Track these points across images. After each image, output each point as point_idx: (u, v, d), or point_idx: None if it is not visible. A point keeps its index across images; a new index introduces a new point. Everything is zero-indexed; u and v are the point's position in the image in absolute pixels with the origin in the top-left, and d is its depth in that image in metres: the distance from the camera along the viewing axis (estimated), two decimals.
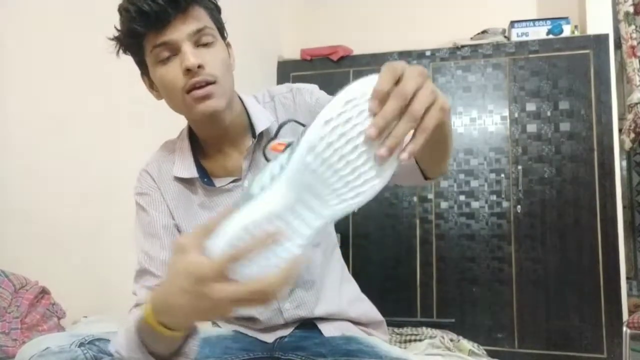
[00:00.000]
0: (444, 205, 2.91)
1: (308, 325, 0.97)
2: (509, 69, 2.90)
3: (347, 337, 0.95)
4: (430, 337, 1.59)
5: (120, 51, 0.88)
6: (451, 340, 1.58)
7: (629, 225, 3.56)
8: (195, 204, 0.91)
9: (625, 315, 2.58)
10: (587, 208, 2.70)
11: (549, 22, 2.92)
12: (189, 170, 0.90)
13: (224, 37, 0.88)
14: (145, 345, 0.66)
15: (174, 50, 0.80)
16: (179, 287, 0.54)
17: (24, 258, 1.55)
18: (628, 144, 2.87)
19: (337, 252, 1.04)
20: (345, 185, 0.53)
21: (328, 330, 0.96)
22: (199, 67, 0.78)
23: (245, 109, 0.92)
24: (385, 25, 3.40)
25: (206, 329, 1.00)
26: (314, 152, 0.51)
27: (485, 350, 1.65)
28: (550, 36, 2.88)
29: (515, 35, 2.95)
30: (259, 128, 0.89)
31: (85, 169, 1.79)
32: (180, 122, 0.97)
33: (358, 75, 0.53)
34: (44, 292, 1.49)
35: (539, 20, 2.95)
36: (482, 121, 2.92)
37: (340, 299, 0.98)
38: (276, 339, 0.94)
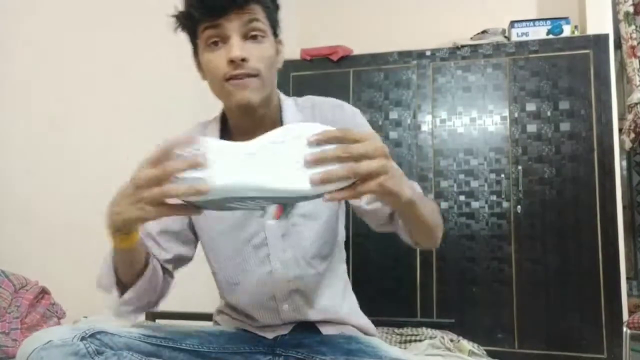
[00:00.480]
0: (444, 205, 2.91)
1: (307, 325, 0.97)
2: (509, 69, 2.90)
3: (347, 336, 0.95)
4: (430, 338, 1.59)
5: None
6: (451, 340, 1.57)
7: (629, 225, 3.56)
8: None
9: (625, 315, 2.58)
10: (587, 208, 2.70)
11: (549, 22, 2.92)
12: None
13: (275, 35, 0.91)
14: (115, 271, 0.83)
15: (224, 39, 0.84)
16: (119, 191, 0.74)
17: (24, 258, 1.55)
18: (628, 144, 2.87)
19: (343, 268, 1.06)
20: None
21: (327, 330, 0.97)
22: (243, 60, 0.83)
23: (281, 108, 0.96)
24: (385, 25, 3.40)
25: (209, 327, 1.02)
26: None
27: (485, 350, 1.64)
28: (550, 36, 2.88)
29: (515, 35, 2.95)
30: None
31: (85, 169, 1.79)
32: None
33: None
34: (44, 292, 1.49)
35: (539, 20, 2.95)
36: (482, 121, 2.92)
37: (338, 309, 1.00)
38: (277, 336, 0.95)
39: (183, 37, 0.94)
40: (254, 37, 0.85)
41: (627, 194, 3.62)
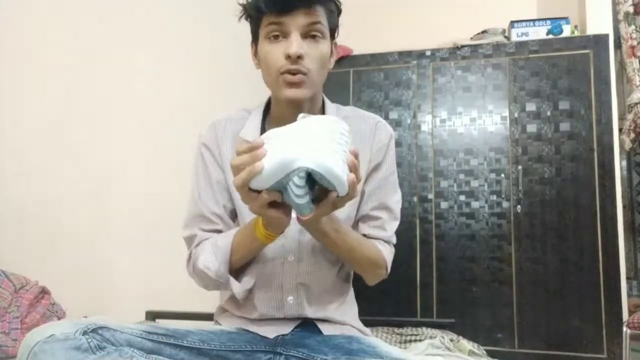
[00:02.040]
0: (444, 205, 2.91)
1: (308, 324, 0.98)
2: (509, 69, 2.90)
3: (347, 336, 0.96)
4: (431, 337, 1.59)
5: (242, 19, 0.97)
6: (451, 340, 1.57)
7: (629, 225, 3.56)
8: None
9: (625, 315, 2.58)
10: (587, 208, 2.70)
11: (549, 22, 2.92)
12: (254, 135, 0.98)
13: (332, 37, 0.97)
14: (231, 256, 0.93)
15: (285, 34, 0.90)
16: None
17: (24, 258, 1.55)
18: (628, 144, 2.87)
19: (350, 273, 1.11)
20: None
21: (327, 330, 0.97)
22: (299, 57, 0.88)
23: (324, 108, 1.02)
24: (385, 25, 3.40)
25: (211, 326, 1.02)
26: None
27: (485, 350, 1.64)
28: (550, 36, 2.88)
29: (515, 35, 2.95)
30: None
31: (84, 169, 1.79)
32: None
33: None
34: (44, 292, 1.49)
35: (539, 20, 2.95)
36: (482, 121, 2.92)
37: (340, 311, 1.03)
38: (278, 336, 0.95)
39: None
40: (313, 37, 0.91)
41: (627, 194, 3.62)
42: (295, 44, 0.88)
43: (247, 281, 0.96)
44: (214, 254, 0.93)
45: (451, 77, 2.99)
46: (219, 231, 1.01)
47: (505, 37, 3.01)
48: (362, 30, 3.37)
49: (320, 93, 1.02)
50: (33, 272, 1.51)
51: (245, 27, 1.00)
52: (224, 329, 0.98)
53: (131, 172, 1.96)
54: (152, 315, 1.72)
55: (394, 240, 1.11)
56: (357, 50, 3.16)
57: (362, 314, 1.14)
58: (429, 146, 2.97)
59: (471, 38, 3.05)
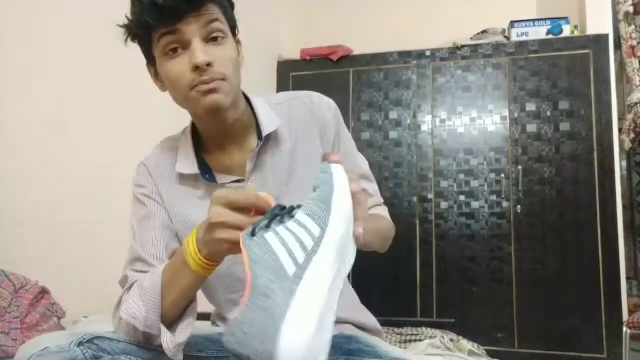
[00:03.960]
0: (444, 205, 2.91)
1: None
2: (509, 69, 2.90)
3: (347, 336, 0.95)
4: (431, 337, 1.59)
5: (129, 40, 0.86)
6: (451, 340, 1.57)
7: (629, 225, 3.56)
8: (196, 197, 0.91)
9: (625, 315, 2.58)
10: (587, 208, 2.70)
11: (549, 22, 2.92)
12: (191, 166, 0.90)
13: (234, 35, 0.87)
14: (162, 301, 0.75)
15: (184, 44, 0.79)
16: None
17: (24, 258, 1.55)
18: (628, 144, 2.87)
19: None
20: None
21: None
22: (208, 65, 0.78)
23: (252, 108, 0.92)
24: (385, 25, 3.40)
25: (207, 329, 1.01)
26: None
27: (485, 350, 1.65)
28: (550, 36, 2.88)
29: (515, 35, 2.95)
30: (265, 130, 0.88)
31: (84, 169, 1.79)
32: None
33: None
34: (44, 292, 1.49)
35: (539, 20, 2.95)
36: (482, 121, 2.92)
37: (339, 307, 0.99)
38: None
39: None
40: (215, 39, 0.80)
41: (627, 194, 3.62)
42: (200, 51, 0.77)
43: (183, 330, 0.78)
44: (140, 298, 0.77)
45: (451, 77, 2.99)
46: None
47: (505, 37, 3.01)
48: (362, 30, 3.38)
49: (241, 96, 0.91)
50: (33, 272, 1.50)
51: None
52: (221, 332, 0.97)
53: (131, 173, 1.96)
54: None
55: (382, 199, 1.04)
56: (357, 50, 3.16)
57: None
58: (429, 146, 2.97)
59: (471, 38, 3.05)
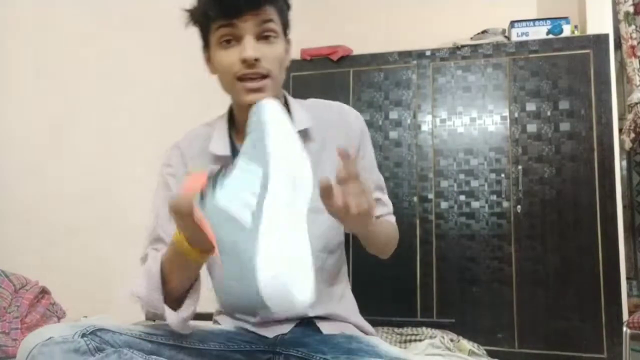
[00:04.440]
0: (444, 205, 2.91)
1: (307, 324, 0.97)
2: (509, 69, 2.90)
3: (347, 335, 0.95)
4: (430, 337, 1.59)
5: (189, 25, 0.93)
6: (451, 340, 1.57)
7: (629, 225, 3.56)
8: None
9: (625, 315, 2.58)
10: (587, 208, 2.70)
11: (549, 22, 2.92)
12: (224, 148, 0.95)
13: (286, 34, 0.94)
14: (164, 284, 0.80)
15: (237, 38, 0.86)
16: None
17: (24, 258, 1.55)
18: (628, 144, 2.87)
19: (345, 268, 1.09)
20: None
21: (327, 329, 0.97)
22: (256, 60, 0.85)
23: (288, 106, 0.98)
24: (385, 25, 3.40)
25: (210, 326, 1.02)
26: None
27: (485, 350, 1.65)
28: (550, 36, 2.88)
29: (515, 35, 2.95)
30: (297, 126, 0.93)
31: (85, 169, 1.79)
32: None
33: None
34: (44, 292, 1.49)
35: (539, 20, 2.95)
36: (482, 121, 2.92)
37: (338, 307, 1.01)
38: (277, 335, 0.95)
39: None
40: (267, 38, 0.87)
41: (627, 194, 3.62)
42: (250, 47, 0.85)
43: (188, 305, 0.82)
44: (146, 279, 0.83)
45: (451, 77, 2.99)
46: None
47: (505, 37, 3.01)
48: (362, 30, 3.38)
49: (281, 92, 0.98)
50: (33, 272, 1.51)
51: None
52: (223, 328, 0.98)
53: (131, 172, 1.96)
54: (153, 316, 1.72)
55: (392, 209, 1.12)
56: (357, 50, 3.16)
57: (362, 313, 1.13)
58: (429, 146, 2.97)
59: (471, 38, 3.04)
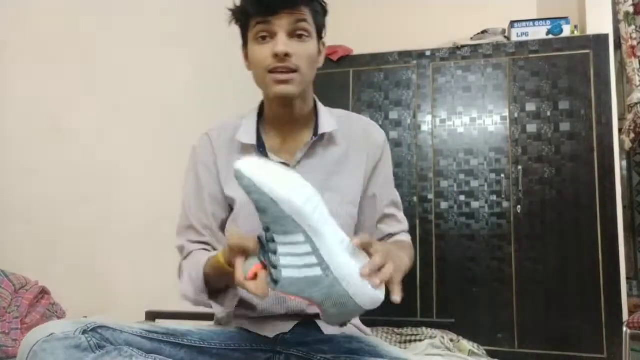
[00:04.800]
0: (444, 205, 2.91)
1: (307, 323, 0.98)
2: (509, 69, 2.90)
3: (348, 335, 0.95)
4: (430, 337, 1.59)
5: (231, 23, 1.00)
6: (451, 340, 1.58)
7: (629, 225, 3.56)
8: None
9: (625, 315, 2.58)
10: (587, 208, 2.70)
11: (549, 22, 2.92)
12: (251, 137, 1.01)
13: (320, 37, 1.01)
14: (206, 283, 0.91)
15: (272, 35, 0.93)
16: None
17: (24, 258, 1.55)
18: (628, 144, 2.87)
19: None
20: None
21: (328, 329, 0.97)
22: (286, 55, 0.91)
23: (316, 109, 1.05)
24: (385, 25, 3.40)
25: (211, 327, 1.02)
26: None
27: (485, 350, 1.65)
28: (550, 36, 2.88)
29: (515, 35, 2.95)
30: (322, 129, 1.01)
31: (85, 169, 1.79)
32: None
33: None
34: (44, 292, 1.49)
35: (539, 20, 2.95)
36: (482, 121, 2.92)
37: None
38: (278, 335, 0.95)
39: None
40: (300, 36, 0.94)
41: (627, 194, 3.62)
42: (282, 42, 0.91)
43: (230, 300, 0.94)
44: (191, 284, 0.94)
45: (451, 77, 2.99)
46: (206, 243, 1.03)
47: (505, 37, 3.01)
48: (362, 30, 3.38)
49: (312, 94, 1.04)
50: (33, 272, 1.51)
51: None
52: (224, 328, 0.98)
53: (131, 173, 1.96)
54: (152, 316, 1.72)
55: (407, 226, 1.17)
56: (357, 50, 3.16)
57: (362, 313, 1.14)
58: (429, 146, 2.97)
59: (471, 38, 3.05)
